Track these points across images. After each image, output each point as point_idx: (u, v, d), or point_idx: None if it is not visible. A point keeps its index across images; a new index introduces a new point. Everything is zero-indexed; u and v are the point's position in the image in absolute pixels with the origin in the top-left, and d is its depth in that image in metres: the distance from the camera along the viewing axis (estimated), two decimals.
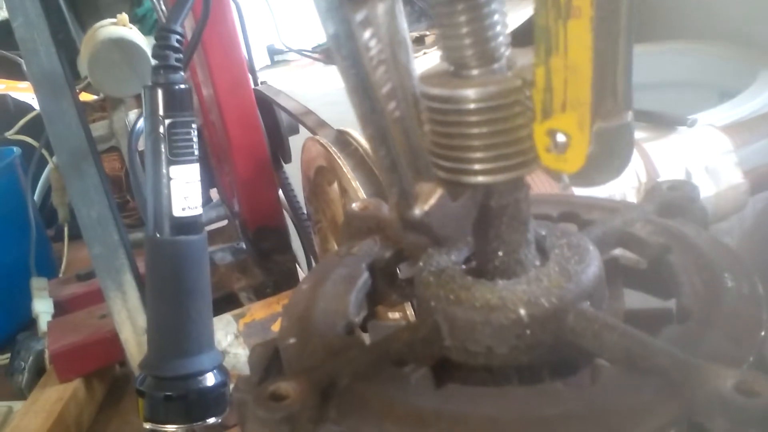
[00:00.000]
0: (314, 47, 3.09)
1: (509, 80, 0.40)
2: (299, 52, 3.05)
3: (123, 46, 1.38)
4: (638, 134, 1.22)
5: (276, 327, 1.07)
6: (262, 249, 1.23)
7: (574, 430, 0.37)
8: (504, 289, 0.44)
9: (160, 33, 0.71)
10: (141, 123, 1.18)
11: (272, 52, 3.28)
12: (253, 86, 1.45)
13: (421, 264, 0.49)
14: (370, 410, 0.40)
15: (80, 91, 1.57)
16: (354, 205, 0.60)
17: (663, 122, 1.25)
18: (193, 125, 0.73)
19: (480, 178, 0.42)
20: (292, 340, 0.48)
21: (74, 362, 1.17)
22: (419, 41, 2.29)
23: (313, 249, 1.37)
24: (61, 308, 1.37)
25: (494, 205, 0.45)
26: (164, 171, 0.71)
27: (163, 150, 0.71)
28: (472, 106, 0.41)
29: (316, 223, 1.28)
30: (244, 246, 1.38)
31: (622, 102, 0.44)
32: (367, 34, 0.35)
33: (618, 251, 0.56)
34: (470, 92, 0.40)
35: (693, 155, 1.22)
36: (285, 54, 3.26)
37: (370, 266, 0.55)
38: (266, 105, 1.42)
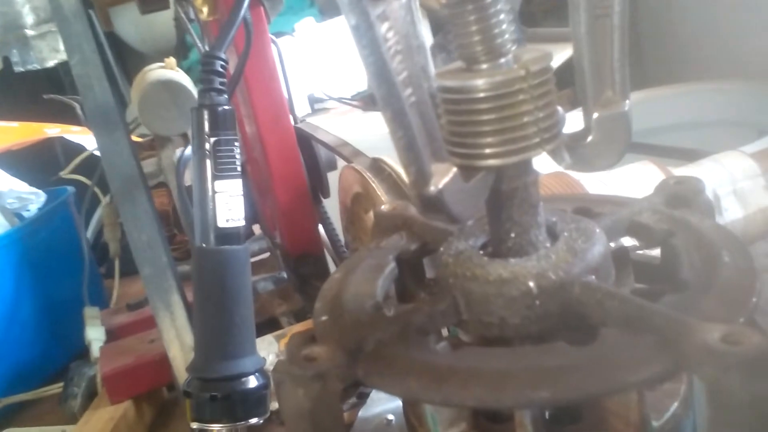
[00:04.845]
0: (353, 95, 3.17)
1: (513, 71, 0.45)
2: (339, 99, 3.15)
3: (171, 87, 1.46)
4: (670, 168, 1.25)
5: None
6: (302, 275, 1.29)
7: (574, 377, 0.41)
8: (515, 265, 0.49)
9: (205, 59, 0.78)
10: (186, 152, 1.25)
11: (313, 101, 3.38)
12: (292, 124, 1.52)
13: (442, 249, 0.54)
14: (393, 369, 0.45)
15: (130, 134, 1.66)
16: (383, 206, 0.65)
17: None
18: (236, 143, 0.78)
19: (491, 161, 0.47)
20: (324, 318, 0.52)
21: (125, 383, 1.22)
22: None
23: None
24: (112, 335, 1.44)
25: (505, 188, 0.49)
26: (210, 185, 0.77)
27: (208, 166, 0.77)
28: (481, 94, 0.45)
29: (354, 251, 1.33)
30: (285, 275, 1.44)
31: (619, 92, 0.49)
32: (384, 26, 0.41)
33: (631, 245, 0.60)
34: (479, 82, 0.45)
35: (720, 179, 1.25)
36: (325, 102, 3.35)
37: (396, 257, 0.60)
38: (305, 142, 1.49)
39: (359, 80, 3.09)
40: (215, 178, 0.77)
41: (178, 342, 1.07)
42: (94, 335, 1.41)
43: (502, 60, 0.47)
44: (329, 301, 0.55)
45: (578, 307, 0.47)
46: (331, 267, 1.47)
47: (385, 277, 0.57)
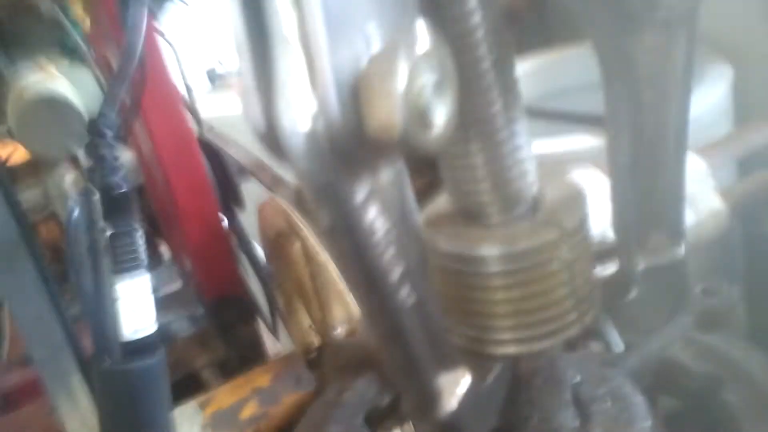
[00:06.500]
0: None
1: (543, 232, 0.32)
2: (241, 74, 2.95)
3: (53, 103, 1.27)
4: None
5: (245, 414, 0.97)
6: (222, 320, 1.13)
7: None
8: None
9: (93, 128, 0.61)
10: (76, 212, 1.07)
11: (213, 77, 3.17)
12: (198, 136, 1.35)
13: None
14: None
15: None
16: (338, 330, 0.51)
17: None
18: (138, 233, 0.63)
19: (511, 349, 0.34)
20: None
21: None
22: None
23: (278, 307, 1.27)
24: (5, 401, 1.25)
25: (525, 368, 0.36)
26: (109, 289, 0.61)
27: (105, 264, 0.61)
28: (496, 267, 0.32)
29: (279, 283, 1.19)
30: (202, 312, 1.28)
31: (673, 233, 0.36)
32: (371, 212, 0.26)
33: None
34: (494, 251, 0.32)
35: None
36: (226, 77, 3.15)
37: (367, 417, 0.46)
38: (213, 152, 1.32)
39: None
40: (116, 278, 0.62)
41: (85, 431, 0.91)
42: None
43: (521, 209, 0.33)
44: None
45: None
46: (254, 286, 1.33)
47: None
